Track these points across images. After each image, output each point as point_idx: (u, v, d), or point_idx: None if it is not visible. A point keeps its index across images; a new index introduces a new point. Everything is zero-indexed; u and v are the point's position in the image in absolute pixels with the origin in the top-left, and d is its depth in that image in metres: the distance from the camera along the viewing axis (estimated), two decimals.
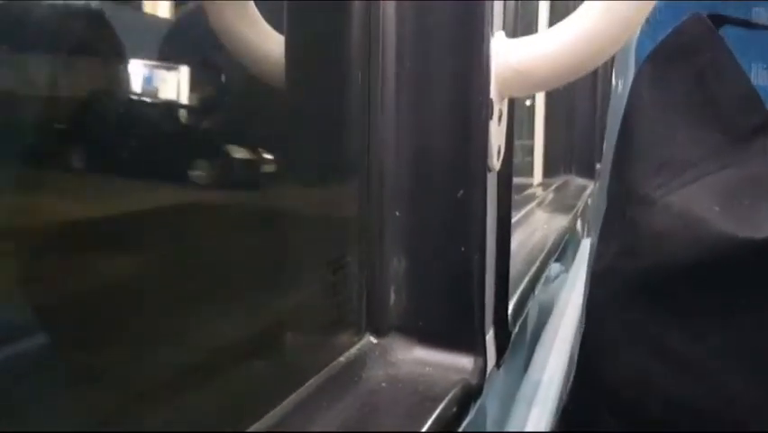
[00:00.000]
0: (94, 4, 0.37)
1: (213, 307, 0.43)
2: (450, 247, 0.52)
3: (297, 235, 0.53)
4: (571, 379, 0.74)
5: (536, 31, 0.67)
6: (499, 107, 0.53)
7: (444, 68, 0.50)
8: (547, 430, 0.94)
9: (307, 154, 0.53)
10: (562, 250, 1.51)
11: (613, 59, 0.98)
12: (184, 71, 0.43)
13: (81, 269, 0.34)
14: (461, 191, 0.51)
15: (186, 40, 0.45)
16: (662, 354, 0.63)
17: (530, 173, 2.20)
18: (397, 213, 0.52)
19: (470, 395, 0.50)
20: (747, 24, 0.68)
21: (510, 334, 0.67)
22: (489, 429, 0.84)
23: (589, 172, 2.33)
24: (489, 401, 0.86)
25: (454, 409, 0.47)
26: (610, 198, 0.68)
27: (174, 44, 0.43)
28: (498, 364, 0.62)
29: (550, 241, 1.18)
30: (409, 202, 0.52)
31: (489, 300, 0.56)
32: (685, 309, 0.62)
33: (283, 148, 0.53)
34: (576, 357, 0.76)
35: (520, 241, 1.13)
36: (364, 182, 0.53)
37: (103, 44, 0.36)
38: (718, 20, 0.66)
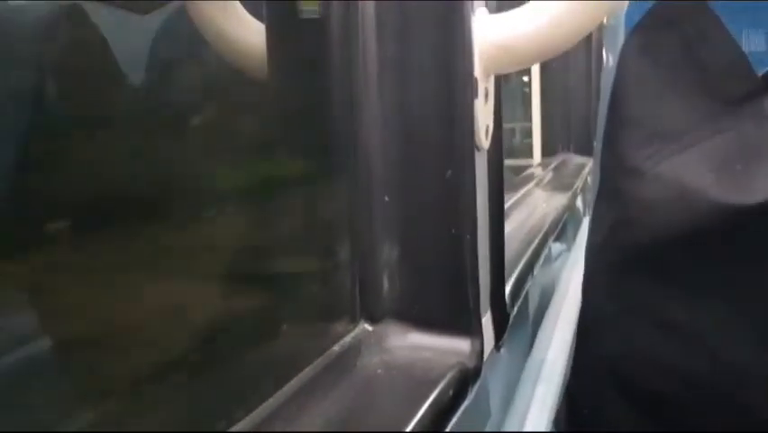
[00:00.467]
0: None
1: (205, 298, 0.43)
2: (441, 229, 0.51)
3: (286, 225, 0.52)
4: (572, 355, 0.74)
5: None
6: (485, 86, 0.53)
7: (426, 47, 0.49)
8: (553, 409, 0.94)
9: (293, 143, 0.52)
10: (562, 229, 1.50)
11: (602, 33, 0.97)
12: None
13: None
14: (449, 172, 0.50)
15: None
16: (662, 325, 0.62)
17: (530, 154, 2.20)
18: (386, 198, 0.52)
19: (467, 378, 0.49)
20: None
21: (509, 315, 0.66)
22: (492, 411, 0.83)
23: (587, 150, 2.32)
24: (493, 384, 0.85)
25: (451, 393, 0.46)
26: (603, 171, 0.67)
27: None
28: (497, 347, 0.61)
29: (548, 220, 1.17)
30: (398, 186, 0.51)
31: (484, 282, 0.56)
32: (682, 279, 0.61)
33: (268, 137, 0.52)
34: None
35: (519, 221, 1.12)
36: (351, 168, 0.52)
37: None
38: None
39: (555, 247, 1.50)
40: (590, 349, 0.69)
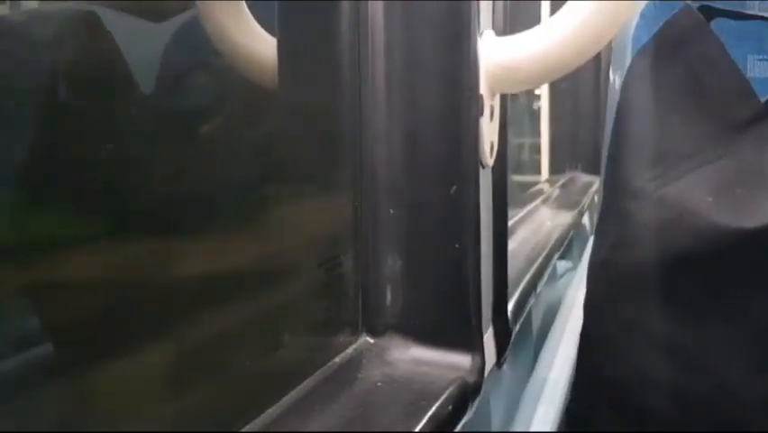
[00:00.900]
0: None
1: (206, 308, 0.43)
2: (444, 244, 0.52)
3: (290, 235, 0.53)
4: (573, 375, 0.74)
5: None
6: (491, 104, 0.53)
7: (433, 66, 0.50)
8: (554, 429, 0.94)
9: (299, 154, 0.53)
10: (568, 247, 1.50)
11: (610, 54, 0.97)
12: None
13: None
14: (454, 188, 0.51)
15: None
16: (660, 346, 0.63)
17: (538, 171, 2.20)
18: (391, 211, 0.52)
19: (466, 394, 0.50)
20: (738, 16, 0.68)
21: (511, 332, 0.67)
22: (494, 429, 0.83)
23: (594, 168, 2.32)
24: (495, 401, 0.85)
25: (450, 408, 0.46)
26: (606, 190, 0.68)
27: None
28: (498, 363, 0.62)
29: (553, 238, 1.17)
30: (402, 200, 0.52)
31: (486, 298, 0.56)
32: (681, 300, 0.62)
33: (275, 148, 0.53)
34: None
35: (523, 238, 1.13)
36: (357, 181, 0.53)
37: None
38: (709, 12, 0.65)
39: (561, 265, 1.50)
40: (590, 368, 0.70)
